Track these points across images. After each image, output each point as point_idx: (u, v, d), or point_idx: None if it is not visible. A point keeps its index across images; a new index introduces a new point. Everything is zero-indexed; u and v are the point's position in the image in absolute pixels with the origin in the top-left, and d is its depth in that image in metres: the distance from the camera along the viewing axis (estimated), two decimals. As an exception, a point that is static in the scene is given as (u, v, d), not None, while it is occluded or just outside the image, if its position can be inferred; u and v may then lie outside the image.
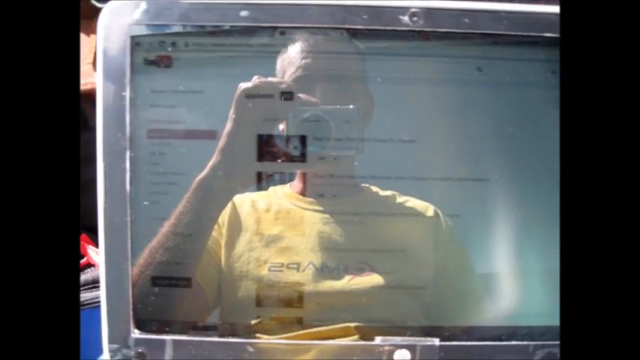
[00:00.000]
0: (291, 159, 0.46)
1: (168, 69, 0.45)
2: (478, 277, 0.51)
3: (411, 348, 0.47)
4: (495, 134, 0.47)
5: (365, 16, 0.45)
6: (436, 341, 0.47)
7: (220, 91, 0.46)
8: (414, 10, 0.45)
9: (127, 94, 0.44)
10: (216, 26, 0.45)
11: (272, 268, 0.49)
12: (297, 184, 0.51)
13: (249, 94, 0.46)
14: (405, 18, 0.45)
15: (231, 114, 0.46)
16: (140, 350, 0.46)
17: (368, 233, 0.49)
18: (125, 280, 0.46)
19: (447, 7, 0.45)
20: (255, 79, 0.46)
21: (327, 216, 0.49)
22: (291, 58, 0.47)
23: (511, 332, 0.48)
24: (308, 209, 0.50)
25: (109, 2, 0.44)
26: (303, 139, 0.45)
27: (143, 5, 0.44)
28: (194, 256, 0.48)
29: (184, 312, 0.48)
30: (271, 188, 0.50)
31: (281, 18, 0.45)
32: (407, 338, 0.47)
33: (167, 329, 0.47)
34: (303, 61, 0.47)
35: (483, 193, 0.47)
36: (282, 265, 0.49)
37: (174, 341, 0.47)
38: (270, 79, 0.46)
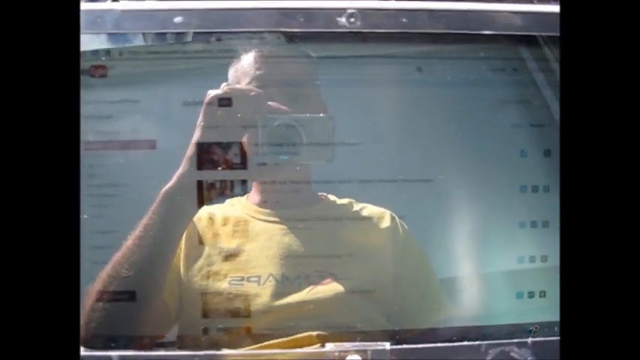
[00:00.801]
0: (231, 166, 0.45)
1: (103, 79, 0.44)
2: (436, 276, 0.51)
3: (362, 353, 0.46)
4: (439, 134, 0.47)
5: (301, 19, 0.44)
6: (387, 345, 0.46)
7: (157, 100, 0.45)
8: (350, 11, 0.44)
9: (61, 105, 0.43)
10: (151, 34, 0.44)
11: (232, 282, 0.48)
12: (253, 195, 0.51)
13: (217, 102, 0.45)
14: (343, 19, 0.44)
15: (200, 122, 0.45)
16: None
17: (327, 241, 0.49)
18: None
19: (384, 7, 0.45)
20: (224, 86, 0.45)
21: (285, 227, 0.49)
22: (245, 68, 0.47)
23: (463, 333, 0.47)
24: (266, 220, 0.50)
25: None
26: (241, 147, 0.45)
27: (73, 14, 0.43)
28: (161, 270, 0.47)
29: (149, 327, 0.47)
30: (228, 200, 0.50)
31: (216, 23, 0.44)
32: (358, 343, 0.46)
33: (113, 345, 0.46)
34: (257, 72, 0.47)
35: (429, 193, 0.47)
36: (243, 278, 0.48)
37: (120, 357, 0.45)
38: (238, 86, 0.46)
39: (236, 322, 0.47)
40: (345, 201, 0.49)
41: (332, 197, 0.49)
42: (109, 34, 0.44)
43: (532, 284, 0.48)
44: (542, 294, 0.48)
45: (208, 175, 0.45)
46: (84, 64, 0.44)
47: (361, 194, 0.47)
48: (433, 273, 0.51)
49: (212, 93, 0.44)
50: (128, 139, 0.45)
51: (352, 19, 0.44)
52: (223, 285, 0.48)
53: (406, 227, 0.50)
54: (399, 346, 0.46)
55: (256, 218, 0.50)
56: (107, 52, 0.44)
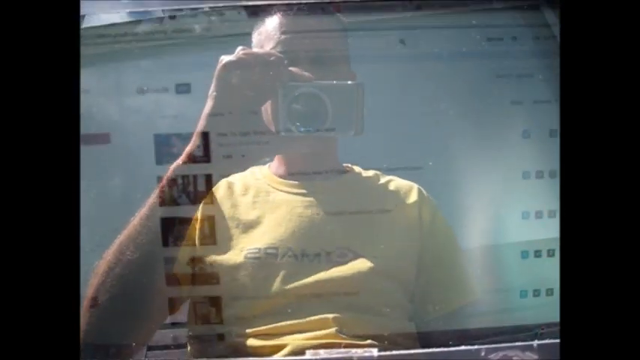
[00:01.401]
0: (194, 160, 0.40)
1: (49, 67, 0.40)
2: (463, 257, 0.48)
3: (348, 360, 0.42)
4: (426, 115, 0.41)
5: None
6: (374, 352, 0.42)
7: (109, 89, 0.41)
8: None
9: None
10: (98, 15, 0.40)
11: (249, 255, 0.45)
12: (276, 164, 0.48)
13: (231, 68, 0.40)
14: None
15: (212, 92, 0.40)
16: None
17: (351, 216, 0.46)
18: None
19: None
20: (239, 51, 0.40)
21: (309, 199, 0.46)
22: (269, 32, 0.44)
23: (463, 335, 0.43)
24: (288, 192, 0.47)
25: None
26: (205, 137, 0.40)
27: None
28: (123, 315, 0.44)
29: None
30: (250, 169, 0.47)
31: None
32: (344, 350, 0.43)
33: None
34: (283, 37, 0.43)
35: (417, 182, 0.42)
36: (259, 250, 0.45)
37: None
38: (255, 50, 0.43)
39: (250, 302, 0.45)
40: (370, 173, 0.47)
41: (357, 169, 0.47)
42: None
43: (537, 281, 0.43)
44: (550, 292, 0.43)
45: (222, 149, 0.40)
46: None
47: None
48: (460, 253, 0.48)
49: (225, 59, 0.40)
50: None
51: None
52: (239, 258, 0.45)
53: (434, 202, 0.47)
54: (388, 353, 0.43)
55: (278, 189, 0.47)
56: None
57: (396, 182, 0.47)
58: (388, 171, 0.42)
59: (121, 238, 0.42)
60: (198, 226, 0.45)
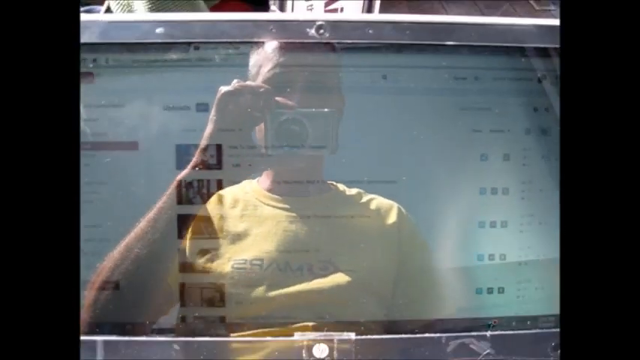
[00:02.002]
0: (207, 167, 0.48)
1: (91, 84, 0.48)
2: (438, 275, 0.52)
3: (328, 342, 0.49)
4: (402, 139, 0.49)
5: (273, 30, 0.47)
6: (352, 335, 0.49)
7: (139, 104, 0.48)
8: (319, 23, 0.47)
9: (52, 108, 0.47)
10: (134, 43, 0.48)
11: (235, 265, 0.50)
12: (264, 179, 0.52)
13: (228, 97, 0.48)
14: (312, 31, 0.48)
15: (212, 116, 0.48)
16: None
17: (334, 233, 0.50)
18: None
19: (351, 19, 0.48)
20: (235, 83, 0.48)
21: (294, 214, 0.50)
22: (268, 53, 0.49)
23: (426, 325, 0.50)
24: (274, 207, 0.51)
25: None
26: (219, 148, 0.48)
27: (63, 25, 0.47)
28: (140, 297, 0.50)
29: (153, 312, 0.50)
30: (240, 183, 0.51)
31: (194, 34, 0.47)
32: (325, 333, 0.49)
33: (97, 330, 0.49)
34: (281, 58, 0.49)
35: (393, 193, 0.50)
36: (246, 261, 0.50)
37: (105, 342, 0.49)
38: (248, 83, 0.49)
39: (235, 307, 0.50)
40: (354, 191, 0.50)
41: (341, 187, 0.50)
42: (96, 43, 0.47)
43: (491, 280, 0.51)
44: (501, 290, 0.51)
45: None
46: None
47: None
48: (436, 270, 0.52)
49: (223, 89, 0.47)
50: (112, 141, 0.48)
51: (321, 31, 0.48)
52: (227, 268, 0.50)
53: (413, 221, 0.51)
54: (364, 337, 0.50)
55: (265, 203, 0.51)
56: (94, 59, 0.48)
57: (377, 200, 0.51)
58: (367, 183, 0.49)
59: (140, 225, 0.48)
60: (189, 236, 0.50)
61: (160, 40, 0.47)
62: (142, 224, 0.48)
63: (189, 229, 0.49)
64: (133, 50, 0.48)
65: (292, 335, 0.49)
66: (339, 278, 0.50)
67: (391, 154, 0.50)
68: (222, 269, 0.50)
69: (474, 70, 0.49)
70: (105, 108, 0.48)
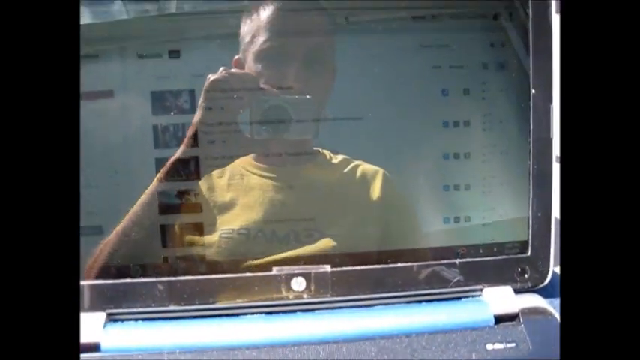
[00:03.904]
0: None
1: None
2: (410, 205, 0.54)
3: (305, 275, 0.52)
4: (367, 76, 0.52)
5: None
6: (328, 267, 0.52)
7: (113, 55, 0.50)
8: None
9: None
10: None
11: (222, 235, 0.52)
12: None
13: (215, 84, 0.50)
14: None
15: (201, 102, 0.50)
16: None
17: (320, 200, 0.52)
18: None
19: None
20: (222, 71, 0.50)
21: (279, 183, 0.52)
22: (261, 22, 0.51)
23: (397, 255, 0.53)
24: (261, 176, 0.53)
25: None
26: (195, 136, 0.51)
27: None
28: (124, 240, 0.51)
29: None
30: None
31: (164, -17, 0.50)
32: (301, 267, 0.52)
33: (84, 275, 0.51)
34: (275, 28, 0.51)
35: (359, 130, 0.52)
36: (233, 231, 0.52)
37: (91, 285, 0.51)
38: (235, 71, 0.51)
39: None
40: (340, 158, 0.52)
41: (327, 154, 0.52)
42: None
43: (457, 210, 0.54)
44: (467, 219, 0.54)
45: (210, 150, 0.51)
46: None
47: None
48: (417, 221, 0.54)
49: (211, 77, 0.50)
50: (88, 91, 0.50)
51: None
52: (214, 237, 0.52)
53: (395, 184, 0.54)
54: (339, 269, 0.52)
55: (252, 173, 0.53)
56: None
57: (363, 167, 0.53)
58: (334, 121, 0.52)
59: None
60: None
61: (131, -9, 0.50)
62: (122, 170, 0.51)
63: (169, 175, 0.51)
64: (107, 3, 0.50)
65: (271, 270, 0.52)
66: (325, 244, 0.52)
67: (357, 91, 0.52)
68: (210, 239, 0.52)
69: (432, 10, 0.52)
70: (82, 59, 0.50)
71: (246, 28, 0.51)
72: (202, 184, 0.51)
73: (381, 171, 0.53)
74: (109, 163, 0.51)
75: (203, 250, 0.52)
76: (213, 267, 0.52)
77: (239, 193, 0.52)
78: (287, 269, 0.52)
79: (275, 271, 0.52)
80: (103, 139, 0.51)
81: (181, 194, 0.51)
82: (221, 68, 0.50)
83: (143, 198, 0.51)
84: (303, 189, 0.52)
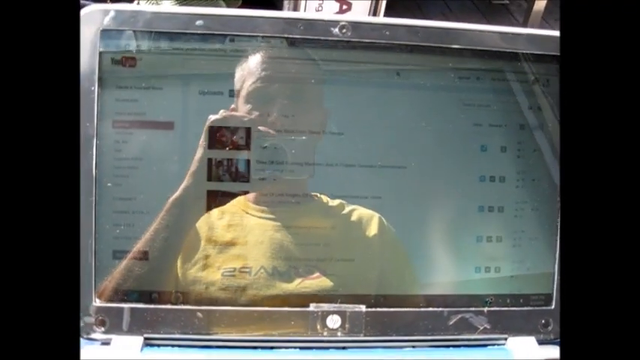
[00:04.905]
0: (234, 179, 0.54)
1: (133, 68, 0.53)
2: (415, 271, 0.57)
3: (341, 313, 0.54)
4: (412, 129, 0.55)
5: (301, 27, 0.53)
6: (363, 307, 0.54)
7: (177, 89, 0.53)
8: (343, 23, 0.54)
9: (96, 89, 0.52)
10: (175, 33, 0.53)
11: (225, 273, 0.54)
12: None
13: (218, 124, 0.53)
14: (336, 30, 0.54)
15: (202, 141, 0.53)
16: (100, 318, 0.52)
17: (317, 241, 0.54)
18: (89, 254, 0.52)
19: (370, 21, 0.54)
20: (222, 112, 0.53)
21: (278, 223, 0.54)
22: (251, 68, 0.54)
23: (429, 300, 0.55)
24: (260, 217, 0.55)
25: (83, 9, 0.51)
26: (247, 163, 0.54)
27: (112, 13, 0.52)
28: (167, 268, 0.54)
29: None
30: None
31: (231, 27, 0.53)
32: (338, 305, 0.54)
33: (125, 298, 0.53)
34: (263, 73, 0.54)
35: (402, 178, 0.55)
36: (235, 269, 0.54)
37: (132, 309, 0.52)
38: (234, 113, 0.54)
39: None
40: (336, 202, 0.54)
41: (324, 198, 0.54)
42: (139, 31, 0.52)
43: (488, 260, 0.56)
44: (497, 269, 0.56)
45: (214, 186, 0.54)
46: (117, 56, 0.52)
47: (345, 177, 0.55)
48: (412, 267, 0.57)
49: (212, 117, 0.53)
50: (149, 120, 0.53)
51: (344, 30, 0.54)
52: (217, 276, 0.54)
53: (393, 230, 0.55)
54: (374, 309, 0.54)
55: (250, 214, 0.55)
56: (137, 46, 0.53)
57: (359, 211, 0.55)
58: (379, 168, 0.54)
59: (166, 207, 0.53)
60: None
61: (199, 32, 0.53)
62: (172, 198, 0.52)
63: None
64: (173, 40, 0.53)
65: (308, 306, 0.54)
66: (325, 282, 0.54)
67: (402, 142, 0.55)
68: (212, 277, 0.54)
69: (476, 72, 0.56)
70: (144, 90, 0.53)
71: (239, 74, 0.54)
72: (202, 228, 0.54)
73: (376, 215, 0.55)
74: (162, 191, 0.53)
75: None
76: (251, 299, 0.54)
77: (239, 233, 0.54)
78: (325, 307, 0.54)
79: (312, 307, 0.54)
80: (159, 167, 0.53)
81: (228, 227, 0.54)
82: (221, 110, 0.53)
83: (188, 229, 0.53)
84: (302, 229, 0.54)
